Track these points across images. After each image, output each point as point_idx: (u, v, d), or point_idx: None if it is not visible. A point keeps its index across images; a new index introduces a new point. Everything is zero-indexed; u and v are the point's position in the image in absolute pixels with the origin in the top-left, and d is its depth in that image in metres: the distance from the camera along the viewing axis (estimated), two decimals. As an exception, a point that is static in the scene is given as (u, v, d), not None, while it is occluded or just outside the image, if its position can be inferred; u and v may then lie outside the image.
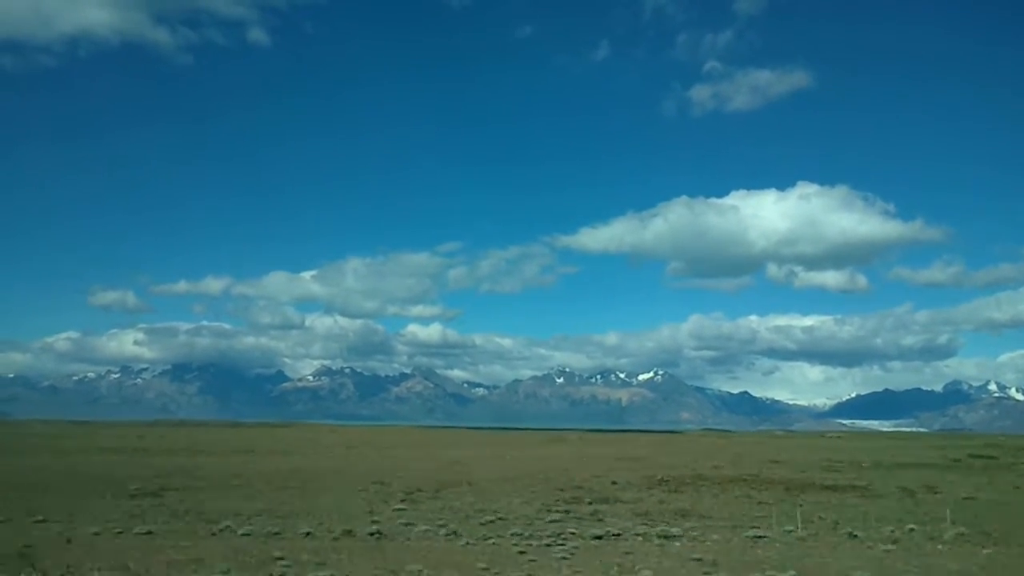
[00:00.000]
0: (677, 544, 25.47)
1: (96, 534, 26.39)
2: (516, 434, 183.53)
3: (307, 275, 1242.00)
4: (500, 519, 31.00)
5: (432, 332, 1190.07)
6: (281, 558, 22.54)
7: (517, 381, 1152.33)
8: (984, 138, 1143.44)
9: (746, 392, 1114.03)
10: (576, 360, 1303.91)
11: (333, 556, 23.08)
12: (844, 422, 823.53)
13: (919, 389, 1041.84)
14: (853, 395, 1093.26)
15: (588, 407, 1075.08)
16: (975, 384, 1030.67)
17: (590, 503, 38.56)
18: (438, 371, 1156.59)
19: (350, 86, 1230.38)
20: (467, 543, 25.36)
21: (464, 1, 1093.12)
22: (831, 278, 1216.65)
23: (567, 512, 33.96)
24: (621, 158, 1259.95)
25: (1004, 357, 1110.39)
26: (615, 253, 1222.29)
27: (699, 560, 22.66)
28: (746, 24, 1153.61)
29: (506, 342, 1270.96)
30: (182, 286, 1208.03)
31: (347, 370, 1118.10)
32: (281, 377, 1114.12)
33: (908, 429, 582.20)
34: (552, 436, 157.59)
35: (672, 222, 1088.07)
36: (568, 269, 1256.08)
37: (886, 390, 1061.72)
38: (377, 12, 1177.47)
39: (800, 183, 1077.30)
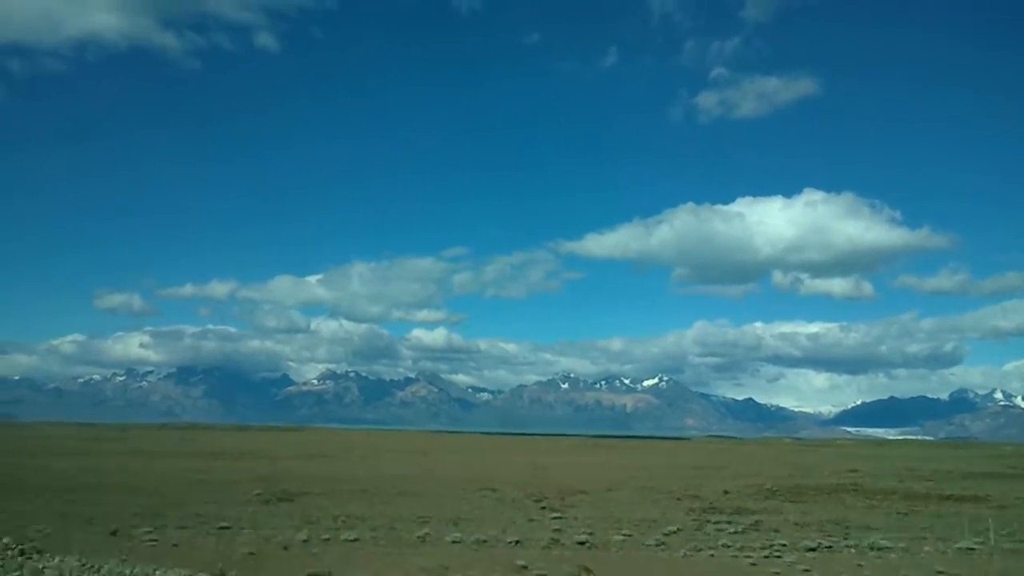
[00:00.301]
0: (893, 556, 25.40)
1: (305, 541, 26.29)
2: (542, 440, 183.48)
3: (312, 279, 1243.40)
4: (676, 530, 30.81)
5: (437, 337, 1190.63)
6: (526, 567, 22.45)
7: (521, 386, 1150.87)
8: (991, 146, 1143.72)
9: (751, 399, 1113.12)
10: (581, 366, 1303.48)
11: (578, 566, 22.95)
12: (849, 430, 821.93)
13: (924, 397, 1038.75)
14: (858, 403, 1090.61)
15: (592, 413, 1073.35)
16: (981, 392, 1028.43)
17: (733, 513, 38.44)
18: (443, 376, 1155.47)
19: (357, 91, 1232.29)
20: (686, 554, 25.27)
21: (472, 7, 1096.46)
22: (837, 285, 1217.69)
23: (728, 523, 33.86)
24: (627, 164, 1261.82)
25: (1010, 365, 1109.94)
26: (620, 259, 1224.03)
27: (942, 573, 22.58)
28: (753, 31, 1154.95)
29: (511, 347, 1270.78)
30: (188, 289, 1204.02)
31: (352, 374, 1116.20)
32: (286, 381, 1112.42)
33: (914, 437, 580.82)
34: (594, 443, 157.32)
35: (678, 228, 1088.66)
36: (573, 275, 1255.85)
37: (891, 398, 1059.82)
38: (385, 17, 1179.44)
39: (806, 190, 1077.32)
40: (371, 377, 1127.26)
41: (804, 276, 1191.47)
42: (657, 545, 26.48)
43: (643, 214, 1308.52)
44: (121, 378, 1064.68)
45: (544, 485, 52.42)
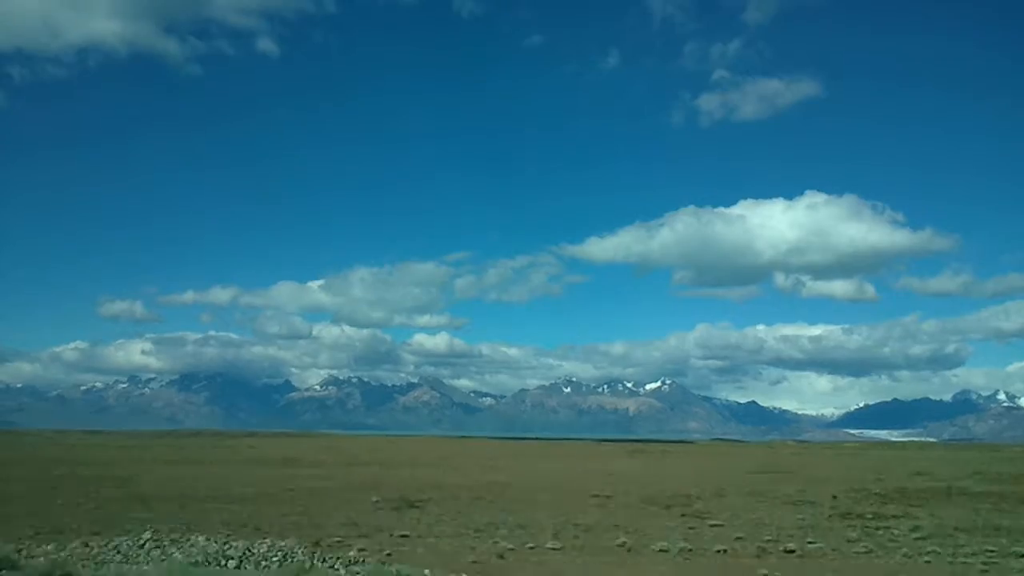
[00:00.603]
0: (1109, 561, 25.15)
1: (512, 549, 26.02)
2: (562, 444, 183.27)
3: (314, 285, 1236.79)
4: (856, 538, 30.53)
5: (439, 341, 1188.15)
6: (768, 577, 22.25)
7: (524, 391, 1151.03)
8: (994, 148, 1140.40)
9: (754, 402, 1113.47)
10: (583, 369, 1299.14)
11: None
12: (852, 432, 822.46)
13: (928, 399, 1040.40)
14: (861, 405, 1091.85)
15: (595, 416, 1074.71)
16: (984, 394, 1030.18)
17: (873, 518, 38.20)
18: (445, 380, 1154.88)
19: (358, 96, 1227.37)
20: (905, 558, 25.03)
21: (474, 11, 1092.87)
22: (839, 287, 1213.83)
23: (888, 528, 33.60)
24: (628, 167, 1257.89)
25: (1013, 367, 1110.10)
26: (622, 263, 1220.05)
27: None
28: (755, 33, 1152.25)
29: (513, 352, 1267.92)
30: (189, 296, 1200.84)
31: (354, 380, 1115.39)
32: (288, 387, 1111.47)
33: (918, 439, 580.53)
34: (630, 447, 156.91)
35: (679, 231, 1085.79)
36: (575, 278, 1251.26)
37: (894, 400, 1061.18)
38: (386, 22, 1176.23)
39: (808, 192, 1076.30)
40: (373, 382, 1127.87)
41: (806, 278, 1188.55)
42: (867, 552, 26.25)
43: (645, 217, 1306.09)
44: (123, 385, 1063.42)
45: (644, 491, 52.06)
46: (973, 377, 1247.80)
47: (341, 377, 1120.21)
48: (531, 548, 26.29)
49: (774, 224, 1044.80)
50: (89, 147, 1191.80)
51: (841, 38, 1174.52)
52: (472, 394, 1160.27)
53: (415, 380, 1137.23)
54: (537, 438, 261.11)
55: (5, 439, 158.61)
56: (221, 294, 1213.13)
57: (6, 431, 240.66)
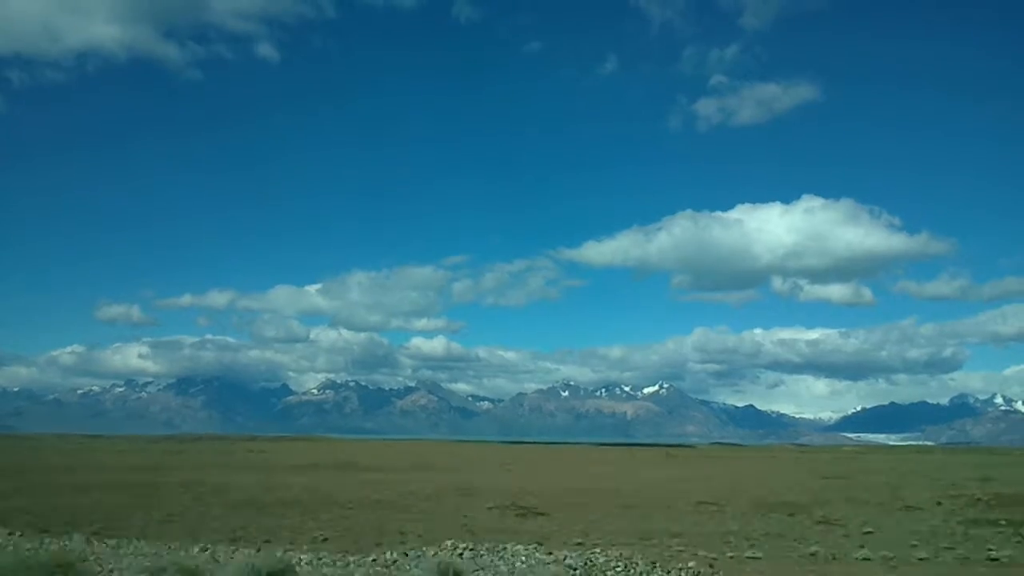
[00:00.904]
0: None
1: (715, 558, 25.60)
2: (574, 449, 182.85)
3: (312, 288, 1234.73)
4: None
5: (436, 345, 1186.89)
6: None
7: (521, 394, 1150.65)
8: (991, 151, 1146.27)
9: (751, 405, 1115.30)
10: (581, 373, 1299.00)
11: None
12: (850, 435, 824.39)
13: (925, 402, 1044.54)
14: (859, 408, 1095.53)
15: (593, 420, 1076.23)
16: (981, 397, 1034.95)
17: (1008, 525, 37.84)
18: (442, 384, 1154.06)
19: (357, 100, 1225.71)
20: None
21: (472, 17, 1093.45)
22: (836, 291, 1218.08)
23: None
24: (626, 172, 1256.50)
25: (1010, 370, 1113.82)
26: (620, 267, 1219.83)
27: None
28: (752, 38, 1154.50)
29: (510, 355, 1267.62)
30: (186, 299, 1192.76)
31: (352, 383, 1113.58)
32: (285, 391, 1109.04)
33: (915, 443, 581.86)
34: (659, 452, 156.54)
35: (677, 236, 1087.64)
36: (573, 282, 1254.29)
37: (892, 403, 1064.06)
38: (385, 27, 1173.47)
39: (805, 196, 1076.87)
40: (371, 386, 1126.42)
41: (803, 282, 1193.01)
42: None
43: (642, 221, 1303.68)
44: (120, 389, 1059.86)
45: (742, 497, 51.51)
46: (970, 381, 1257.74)
47: (338, 381, 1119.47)
48: (731, 557, 25.81)
49: (771, 228, 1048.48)
50: (88, 151, 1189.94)
51: (839, 42, 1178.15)
52: (470, 398, 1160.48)
53: (412, 384, 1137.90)
54: (535, 442, 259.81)
55: (9, 443, 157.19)
56: (218, 298, 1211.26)
57: (5, 435, 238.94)
